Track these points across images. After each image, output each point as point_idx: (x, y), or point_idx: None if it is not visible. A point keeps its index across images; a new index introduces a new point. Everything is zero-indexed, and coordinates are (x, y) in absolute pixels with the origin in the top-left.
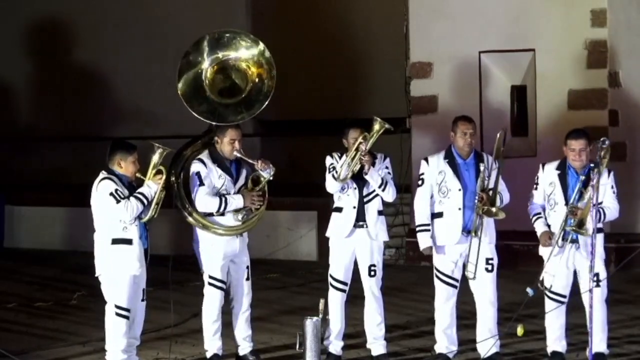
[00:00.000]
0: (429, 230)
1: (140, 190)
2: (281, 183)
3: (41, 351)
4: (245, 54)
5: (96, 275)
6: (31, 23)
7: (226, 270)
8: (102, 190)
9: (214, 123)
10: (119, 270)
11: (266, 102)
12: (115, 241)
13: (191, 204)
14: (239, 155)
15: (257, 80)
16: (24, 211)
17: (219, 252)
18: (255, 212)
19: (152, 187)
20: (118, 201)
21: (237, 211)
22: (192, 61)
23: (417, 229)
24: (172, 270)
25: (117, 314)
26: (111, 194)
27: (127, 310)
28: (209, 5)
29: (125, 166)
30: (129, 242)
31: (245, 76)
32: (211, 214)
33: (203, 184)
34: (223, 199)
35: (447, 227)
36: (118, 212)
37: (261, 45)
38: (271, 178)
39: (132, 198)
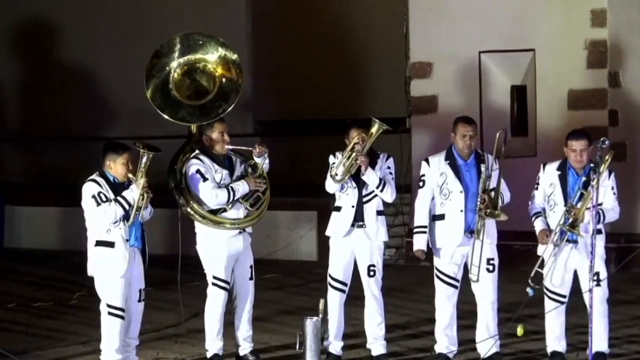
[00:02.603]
0: (425, 232)
1: (123, 193)
2: (281, 183)
3: (41, 351)
4: (206, 53)
5: (89, 275)
6: (26, 22)
7: (230, 270)
8: (85, 192)
9: (196, 124)
10: (105, 272)
11: (240, 90)
12: (99, 243)
13: (198, 203)
14: (230, 147)
15: (223, 75)
16: (24, 211)
17: (222, 251)
18: (263, 197)
19: (134, 191)
20: (98, 204)
21: (246, 200)
22: (157, 70)
23: (415, 230)
24: (172, 271)
25: (110, 313)
26: (93, 196)
27: (121, 309)
28: (208, 5)
29: (114, 168)
30: (111, 244)
31: (211, 76)
32: (223, 210)
33: (207, 179)
34: (230, 188)
35: (450, 230)
36: (98, 215)
37: (219, 40)
38: (266, 161)
39: (112, 202)
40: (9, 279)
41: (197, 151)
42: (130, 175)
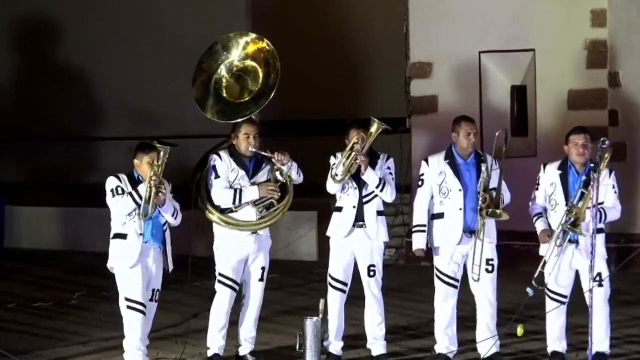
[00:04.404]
0: (424, 231)
1: (138, 187)
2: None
3: (41, 351)
4: (253, 53)
5: (108, 268)
6: (26, 22)
7: (240, 271)
8: (106, 186)
9: (224, 121)
10: (119, 264)
11: (272, 94)
12: (115, 236)
13: (211, 201)
14: (254, 150)
15: (265, 77)
16: (24, 211)
17: (232, 251)
18: (277, 205)
19: (145, 184)
20: (113, 196)
21: (256, 204)
22: (206, 68)
23: (413, 229)
24: (173, 271)
25: (128, 307)
26: (111, 190)
27: (140, 303)
28: (208, 5)
29: (141, 166)
30: (124, 236)
31: (256, 76)
32: (230, 210)
33: (219, 177)
34: (237, 190)
35: (449, 228)
36: (111, 207)
37: (265, 42)
38: (297, 176)
39: (125, 194)
40: (9, 279)
41: (225, 148)
42: None
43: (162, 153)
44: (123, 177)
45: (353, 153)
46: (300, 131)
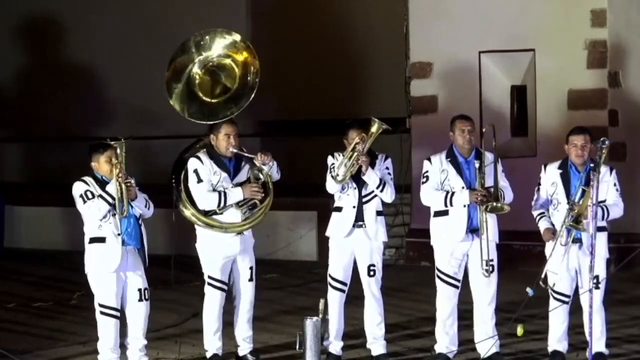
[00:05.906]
0: (454, 192)
1: (106, 188)
2: (281, 183)
3: (41, 351)
4: (229, 51)
5: (86, 273)
6: (27, 22)
7: (227, 271)
8: (74, 193)
9: (205, 122)
10: (97, 269)
11: (252, 95)
12: (92, 240)
13: (192, 203)
14: (235, 150)
15: (242, 75)
16: (24, 211)
17: (217, 252)
18: (260, 205)
19: (113, 183)
20: (85, 202)
21: (240, 205)
22: (179, 65)
23: (447, 200)
24: (173, 270)
25: (102, 313)
26: (80, 195)
27: (113, 309)
28: (208, 5)
29: (100, 166)
30: (102, 240)
31: (231, 74)
32: (214, 212)
33: (202, 181)
34: (222, 193)
35: (453, 226)
36: (85, 212)
37: (242, 39)
38: (277, 174)
39: (96, 197)
40: (9, 279)
41: (203, 149)
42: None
43: (119, 149)
44: (90, 180)
45: (355, 154)
46: (300, 131)
